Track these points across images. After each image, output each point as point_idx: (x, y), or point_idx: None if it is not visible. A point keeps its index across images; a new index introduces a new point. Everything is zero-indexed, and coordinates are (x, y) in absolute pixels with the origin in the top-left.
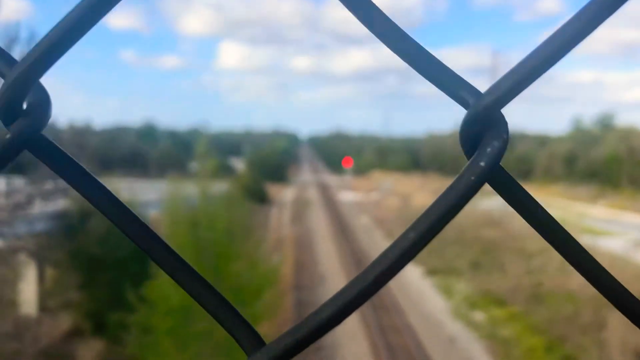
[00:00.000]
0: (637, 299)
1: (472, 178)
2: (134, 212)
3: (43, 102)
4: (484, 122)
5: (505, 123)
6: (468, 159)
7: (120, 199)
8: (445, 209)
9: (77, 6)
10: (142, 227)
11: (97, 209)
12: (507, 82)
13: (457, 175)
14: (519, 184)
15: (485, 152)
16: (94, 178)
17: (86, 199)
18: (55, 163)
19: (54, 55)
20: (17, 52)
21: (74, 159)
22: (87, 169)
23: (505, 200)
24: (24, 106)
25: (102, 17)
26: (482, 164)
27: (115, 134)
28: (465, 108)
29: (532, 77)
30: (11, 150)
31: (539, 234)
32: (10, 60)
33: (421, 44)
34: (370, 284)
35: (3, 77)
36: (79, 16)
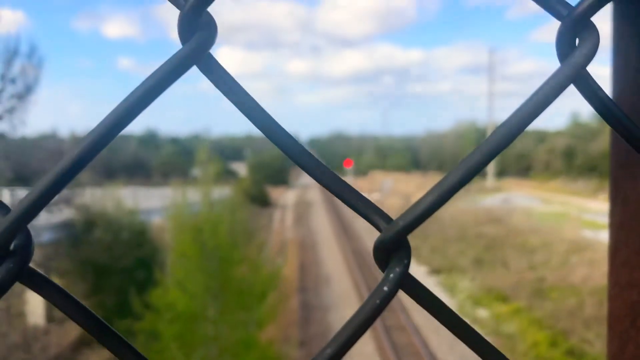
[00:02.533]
0: None
1: (377, 302)
2: (119, 334)
3: (27, 244)
4: (390, 247)
5: (409, 249)
6: (382, 272)
7: (107, 323)
8: (354, 330)
9: (62, 163)
10: (129, 347)
11: (85, 330)
12: (413, 212)
13: (368, 295)
14: (426, 289)
15: (389, 278)
16: (80, 303)
17: (75, 323)
18: (44, 291)
19: (41, 204)
20: (18, 65)
21: (59, 285)
22: (72, 295)
23: (416, 302)
24: (11, 248)
25: (84, 167)
26: (385, 288)
27: (116, 142)
28: (379, 231)
29: (437, 206)
30: (2, 288)
31: (442, 329)
32: (3, 209)
33: (336, 173)
34: None
35: None
36: (62, 172)
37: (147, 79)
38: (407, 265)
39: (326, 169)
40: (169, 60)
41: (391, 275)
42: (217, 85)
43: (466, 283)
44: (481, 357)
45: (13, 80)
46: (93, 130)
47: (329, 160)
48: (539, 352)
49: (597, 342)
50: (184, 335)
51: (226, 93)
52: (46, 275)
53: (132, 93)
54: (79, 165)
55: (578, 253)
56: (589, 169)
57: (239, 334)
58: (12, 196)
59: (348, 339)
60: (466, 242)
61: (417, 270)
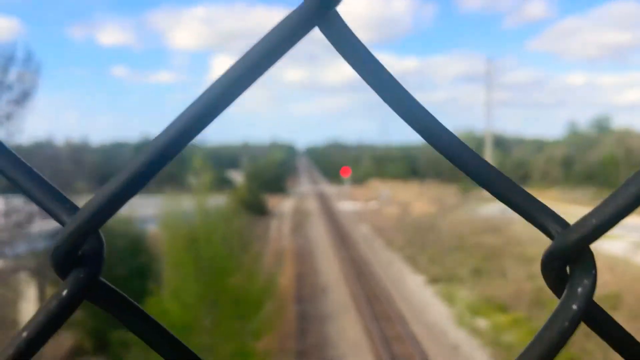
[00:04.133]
0: None
1: (566, 324)
2: (189, 349)
3: (99, 249)
4: (570, 256)
5: (593, 257)
6: (552, 289)
7: (177, 338)
8: (540, 356)
9: (137, 159)
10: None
11: (159, 354)
12: (598, 217)
13: (550, 316)
14: (614, 321)
15: (577, 293)
16: (155, 321)
17: (147, 344)
18: (115, 308)
19: (116, 205)
20: (15, 72)
21: (135, 302)
22: (147, 313)
23: (601, 338)
24: (79, 254)
25: (162, 168)
26: (574, 307)
27: (112, 150)
28: (549, 237)
29: (627, 212)
30: (71, 305)
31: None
32: (71, 208)
33: (503, 172)
34: None
35: (62, 225)
36: (140, 170)
37: (256, 45)
38: (596, 278)
39: (481, 158)
40: (284, 20)
41: (579, 289)
42: (343, 52)
43: (465, 293)
44: None
45: (10, 87)
46: (186, 112)
47: (327, 169)
48: None
49: (597, 353)
50: None
51: (353, 62)
52: (119, 290)
53: (236, 64)
54: (167, 155)
55: None
56: (587, 178)
57: (235, 345)
58: (7, 204)
59: None
60: (464, 251)
61: (415, 280)
